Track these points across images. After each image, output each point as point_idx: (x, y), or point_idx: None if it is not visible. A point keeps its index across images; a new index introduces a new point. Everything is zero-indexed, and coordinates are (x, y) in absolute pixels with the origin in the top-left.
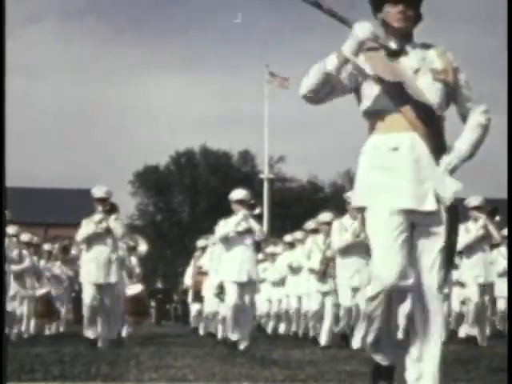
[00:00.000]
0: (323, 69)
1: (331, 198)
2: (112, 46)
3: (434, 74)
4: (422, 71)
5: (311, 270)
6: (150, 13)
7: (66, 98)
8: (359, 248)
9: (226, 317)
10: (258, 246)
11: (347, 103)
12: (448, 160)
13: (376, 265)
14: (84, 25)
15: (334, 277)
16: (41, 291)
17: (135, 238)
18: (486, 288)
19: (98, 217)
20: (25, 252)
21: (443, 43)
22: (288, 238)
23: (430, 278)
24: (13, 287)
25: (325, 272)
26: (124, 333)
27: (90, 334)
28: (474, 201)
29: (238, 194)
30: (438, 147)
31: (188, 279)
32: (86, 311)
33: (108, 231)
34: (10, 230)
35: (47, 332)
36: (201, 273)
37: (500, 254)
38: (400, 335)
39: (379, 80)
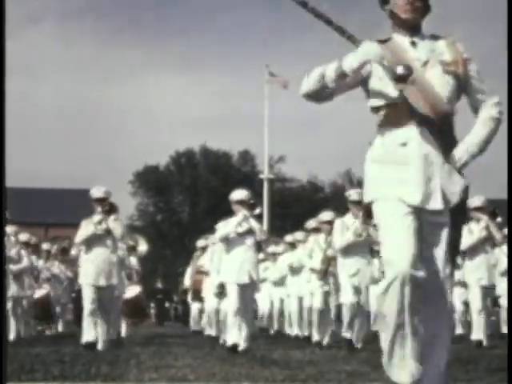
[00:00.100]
0: (323, 78)
1: (331, 198)
2: (112, 46)
3: (444, 66)
4: (430, 63)
5: (312, 270)
6: (150, 13)
7: (66, 98)
8: (361, 247)
9: (226, 319)
10: (258, 246)
11: (348, 103)
12: (458, 156)
13: (388, 252)
14: (84, 25)
15: (336, 275)
16: (39, 294)
17: (135, 238)
18: (488, 290)
19: (97, 217)
20: (23, 252)
21: None
22: (289, 238)
23: (438, 271)
24: (12, 288)
25: (326, 271)
26: (124, 333)
27: (88, 337)
28: (476, 201)
29: (238, 194)
30: (448, 142)
31: (188, 279)
32: (86, 315)
33: (108, 232)
34: (8, 229)
35: (47, 332)
36: (200, 272)
37: (502, 253)
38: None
39: (388, 74)
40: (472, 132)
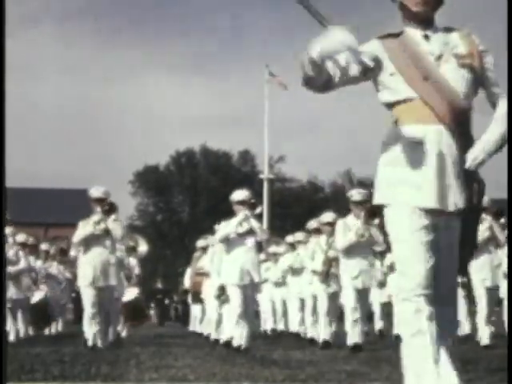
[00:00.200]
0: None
1: (331, 198)
2: (112, 46)
3: (459, 60)
4: (444, 57)
5: (314, 272)
6: (150, 13)
7: (66, 98)
8: (363, 248)
9: (227, 320)
10: (259, 247)
11: (348, 103)
12: (474, 154)
13: (401, 269)
14: (84, 25)
15: (338, 277)
16: (35, 298)
17: (135, 238)
18: (492, 291)
19: (96, 217)
20: (21, 253)
21: None
22: (289, 238)
23: (451, 277)
24: (10, 290)
25: (328, 273)
26: (124, 333)
27: (89, 336)
28: None
29: (239, 194)
30: (465, 140)
31: (187, 280)
32: (86, 316)
33: (107, 232)
34: (6, 230)
35: (47, 332)
36: (200, 274)
37: (505, 254)
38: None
39: (399, 70)
40: (488, 130)
